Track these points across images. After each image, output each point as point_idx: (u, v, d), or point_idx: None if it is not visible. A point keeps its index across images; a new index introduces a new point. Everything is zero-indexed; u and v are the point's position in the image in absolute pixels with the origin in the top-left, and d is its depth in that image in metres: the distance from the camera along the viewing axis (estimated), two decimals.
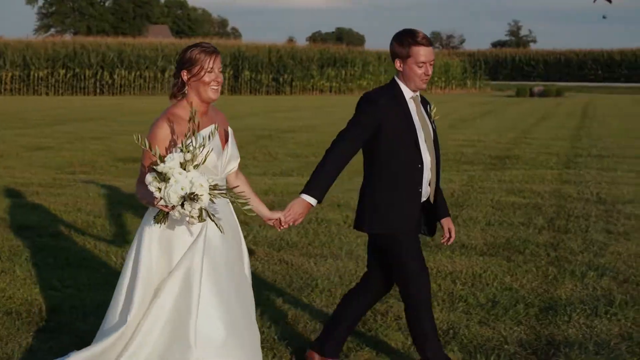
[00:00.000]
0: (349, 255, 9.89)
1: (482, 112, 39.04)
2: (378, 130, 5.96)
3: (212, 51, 5.44)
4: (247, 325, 5.42)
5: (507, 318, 7.61)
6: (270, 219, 5.89)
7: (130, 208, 12.31)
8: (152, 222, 5.27)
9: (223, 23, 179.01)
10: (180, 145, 5.14)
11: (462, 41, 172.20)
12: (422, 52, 5.95)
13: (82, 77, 59.37)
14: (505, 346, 6.97)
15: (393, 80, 6.17)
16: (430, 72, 6.03)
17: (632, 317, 7.67)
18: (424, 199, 6.15)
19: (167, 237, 5.33)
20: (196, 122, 5.23)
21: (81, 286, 8.45)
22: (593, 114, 39.58)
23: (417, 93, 6.15)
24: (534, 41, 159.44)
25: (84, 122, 30.02)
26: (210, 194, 5.05)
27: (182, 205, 4.98)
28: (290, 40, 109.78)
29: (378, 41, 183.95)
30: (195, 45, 5.48)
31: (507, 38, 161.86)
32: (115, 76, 60.09)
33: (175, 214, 5.05)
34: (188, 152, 5.07)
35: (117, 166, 18.22)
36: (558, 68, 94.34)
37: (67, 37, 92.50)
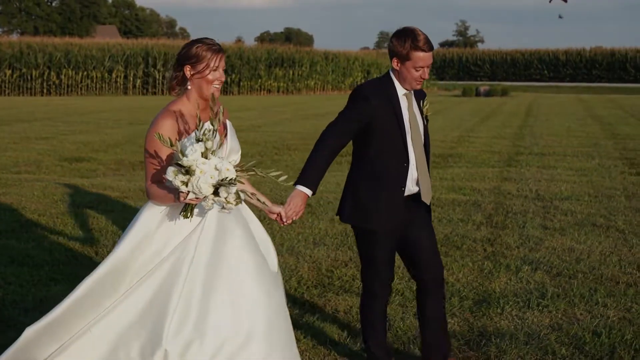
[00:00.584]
0: (289, 251, 10.05)
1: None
2: (367, 127, 5.96)
3: (219, 50, 5.37)
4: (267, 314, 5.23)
5: None
6: (272, 213, 5.84)
7: (75, 207, 12.36)
8: (154, 214, 5.23)
9: (171, 23, 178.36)
10: (194, 135, 5.05)
11: None
12: (422, 57, 5.92)
13: (29, 77, 58.98)
14: None
15: (388, 75, 6.13)
16: (426, 76, 6.00)
17: (562, 308, 7.91)
18: (407, 195, 6.12)
19: (166, 231, 5.24)
20: (215, 110, 5.16)
21: (24, 282, 8.52)
22: (537, 112, 40.05)
23: (410, 90, 6.12)
24: (482, 41, 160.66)
25: (30, 123, 29.85)
26: (238, 175, 5.00)
27: (216, 193, 4.93)
28: (239, 40, 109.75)
29: (326, 41, 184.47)
30: (200, 41, 5.38)
31: (454, 38, 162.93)
32: (63, 76, 59.76)
33: (207, 203, 4.98)
34: (208, 140, 4.97)
35: (63, 166, 18.26)
36: (504, 68, 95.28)
37: (14, 37, 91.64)
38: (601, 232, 11.26)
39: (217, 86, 5.39)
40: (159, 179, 5.24)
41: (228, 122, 5.60)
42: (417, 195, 6.17)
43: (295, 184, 5.92)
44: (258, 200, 5.55)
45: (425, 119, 6.24)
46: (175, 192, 5.04)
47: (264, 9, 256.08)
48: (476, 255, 9.91)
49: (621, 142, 24.47)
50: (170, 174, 4.93)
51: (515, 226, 11.60)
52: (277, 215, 5.84)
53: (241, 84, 64.27)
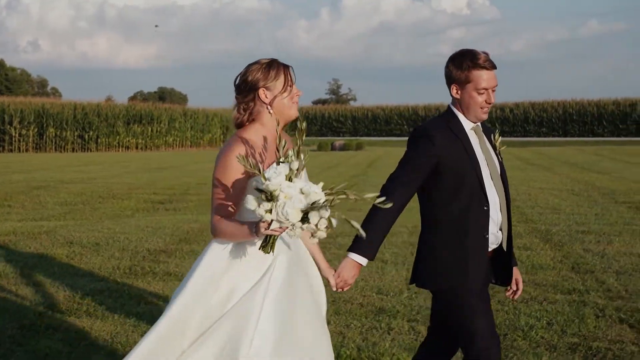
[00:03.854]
0: None
1: None
2: (435, 171, 5.18)
3: (282, 63, 4.88)
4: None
5: None
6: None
7: None
8: (220, 258, 4.69)
9: (42, 83, 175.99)
10: (278, 156, 4.54)
11: None
12: (485, 77, 5.17)
13: None
14: None
15: (449, 109, 5.36)
16: (493, 100, 5.22)
17: None
18: (493, 246, 5.35)
19: (234, 274, 4.69)
20: (302, 128, 4.53)
21: None
22: (379, 164, 41.03)
23: (478, 123, 5.35)
24: (354, 99, 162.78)
25: None
26: (327, 199, 4.39)
27: (304, 219, 4.35)
28: (109, 99, 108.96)
29: (201, 100, 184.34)
30: (258, 62, 4.86)
31: (327, 96, 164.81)
32: None
33: (295, 232, 4.39)
34: (292, 161, 4.45)
35: None
36: (365, 123, 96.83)
37: None
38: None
39: (296, 103, 4.86)
40: (227, 213, 4.69)
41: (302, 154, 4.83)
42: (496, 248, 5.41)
43: (350, 249, 5.19)
44: (352, 225, 4.51)
45: (499, 155, 5.47)
46: (251, 225, 4.49)
47: (138, 69, 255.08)
48: None
49: None
50: (253, 202, 4.37)
51: None
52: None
53: (99, 140, 64.10)
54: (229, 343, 4.53)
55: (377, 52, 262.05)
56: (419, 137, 5.23)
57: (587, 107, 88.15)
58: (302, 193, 4.32)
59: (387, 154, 55.16)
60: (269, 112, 4.79)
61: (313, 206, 4.31)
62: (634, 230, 14.98)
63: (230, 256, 4.68)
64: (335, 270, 5.20)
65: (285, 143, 4.57)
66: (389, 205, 4.61)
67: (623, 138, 79.79)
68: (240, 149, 4.65)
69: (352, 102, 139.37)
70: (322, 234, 4.41)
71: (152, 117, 66.89)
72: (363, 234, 4.57)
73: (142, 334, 8.03)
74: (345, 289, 5.23)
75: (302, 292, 4.80)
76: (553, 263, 11.67)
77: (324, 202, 4.33)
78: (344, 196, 4.41)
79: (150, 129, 66.42)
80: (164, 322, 4.57)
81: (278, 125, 4.70)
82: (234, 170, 4.63)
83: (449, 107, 5.36)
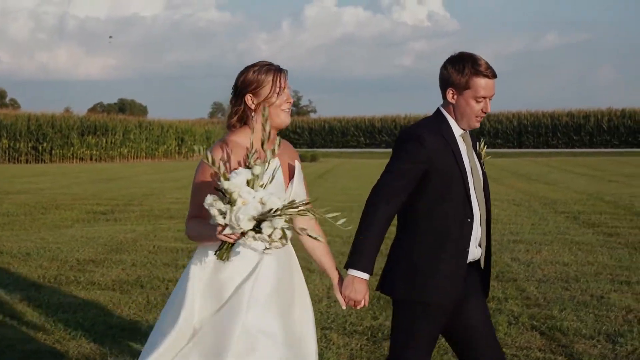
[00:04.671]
0: None
1: None
2: (423, 175, 4.90)
3: (279, 69, 4.78)
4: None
5: None
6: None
7: None
8: (205, 261, 4.59)
9: (1, 94, 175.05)
10: (248, 163, 4.47)
11: None
12: (484, 85, 4.92)
13: None
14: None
15: (438, 112, 5.08)
16: (488, 109, 4.97)
17: None
18: (470, 261, 5.07)
19: (218, 279, 4.58)
20: (267, 129, 4.51)
21: None
22: (330, 175, 41.13)
23: (467, 130, 5.10)
24: (314, 111, 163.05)
25: None
26: (285, 213, 4.26)
27: (257, 229, 4.24)
28: (67, 110, 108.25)
29: (161, 111, 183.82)
30: (255, 64, 4.78)
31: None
32: None
33: (247, 241, 4.29)
34: (256, 166, 4.36)
35: None
36: (322, 135, 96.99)
37: None
38: None
39: (287, 110, 4.76)
40: (198, 214, 4.64)
41: (297, 165, 4.90)
42: (474, 262, 5.16)
43: (347, 266, 4.94)
44: (309, 235, 4.46)
45: (482, 165, 5.21)
46: (213, 228, 4.41)
47: (99, 80, 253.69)
48: (158, 292, 10.45)
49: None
50: (209, 199, 4.29)
51: None
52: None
53: (53, 152, 63.59)
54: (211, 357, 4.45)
55: (338, 64, 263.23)
56: (408, 140, 4.94)
57: (542, 118, 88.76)
58: (262, 203, 4.22)
59: (341, 165, 55.42)
60: (252, 118, 4.71)
61: (265, 214, 4.19)
62: (566, 239, 15.15)
63: (214, 262, 4.57)
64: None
65: (255, 152, 4.47)
66: (349, 227, 4.43)
67: (576, 149, 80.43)
68: (217, 152, 4.58)
69: (312, 114, 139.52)
70: (277, 244, 4.29)
71: (106, 128, 66.42)
72: (342, 227, 4.39)
73: (55, 341, 8.06)
74: (360, 307, 5.01)
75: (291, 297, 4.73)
76: None
77: (277, 212, 4.19)
78: (303, 213, 4.30)
79: (104, 140, 65.93)
80: (171, 337, 4.48)
81: (265, 130, 4.53)
82: (208, 172, 4.57)
83: (438, 110, 5.08)
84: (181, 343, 4.48)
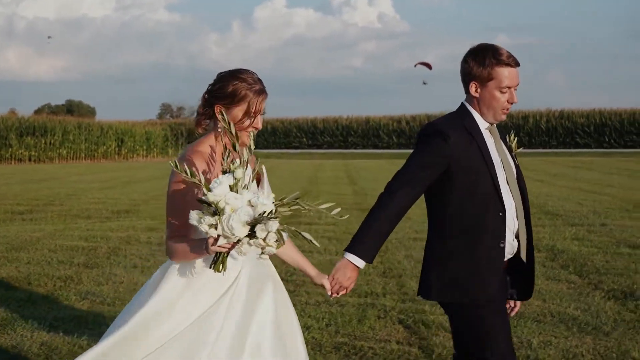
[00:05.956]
0: None
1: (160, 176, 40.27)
2: (447, 172, 4.82)
3: (261, 90, 4.55)
4: None
5: None
6: (316, 284, 4.98)
7: None
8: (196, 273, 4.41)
9: None
10: (223, 166, 4.26)
11: (193, 113, 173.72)
12: (508, 75, 4.81)
13: None
14: None
15: (463, 107, 5.00)
16: (515, 99, 4.86)
17: None
18: (509, 256, 4.97)
19: (197, 286, 4.42)
20: (233, 130, 4.32)
21: None
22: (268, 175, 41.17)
23: (494, 123, 5.00)
24: (264, 112, 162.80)
25: None
26: (279, 210, 4.12)
27: (252, 234, 4.06)
28: (12, 111, 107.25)
29: (109, 113, 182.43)
30: (238, 77, 4.51)
31: None
32: None
33: (241, 249, 4.12)
34: (236, 169, 4.15)
35: None
36: (265, 136, 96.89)
37: None
38: None
39: (250, 134, 4.46)
40: (179, 231, 4.39)
41: (263, 167, 4.77)
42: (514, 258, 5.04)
43: (347, 249, 4.83)
44: (304, 237, 4.23)
45: (515, 157, 5.12)
46: (200, 243, 4.22)
47: (48, 81, 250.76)
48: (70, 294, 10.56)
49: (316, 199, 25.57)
50: (195, 216, 4.08)
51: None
52: (322, 286, 4.91)
53: None
54: None
55: (288, 65, 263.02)
56: (431, 134, 4.85)
57: None
58: (251, 205, 4.05)
59: (279, 165, 55.54)
60: (219, 131, 4.50)
61: (258, 218, 4.01)
62: None
63: (187, 279, 4.40)
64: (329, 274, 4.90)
65: (229, 154, 4.27)
66: (345, 217, 4.32)
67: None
68: (191, 161, 4.37)
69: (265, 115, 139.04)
70: (272, 249, 4.12)
71: (45, 129, 66.00)
72: (316, 244, 4.27)
73: None
74: (341, 294, 4.87)
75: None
76: (366, 268, 11.98)
77: (271, 214, 4.03)
78: (296, 207, 4.15)
79: (43, 141, 65.52)
80: (109, 341, 4.30)
81: (232, 133, 4.31)
82: (182, 185, 4.33)
83: (462, 104, 4.99)
84: (131, 343, 4.30)
